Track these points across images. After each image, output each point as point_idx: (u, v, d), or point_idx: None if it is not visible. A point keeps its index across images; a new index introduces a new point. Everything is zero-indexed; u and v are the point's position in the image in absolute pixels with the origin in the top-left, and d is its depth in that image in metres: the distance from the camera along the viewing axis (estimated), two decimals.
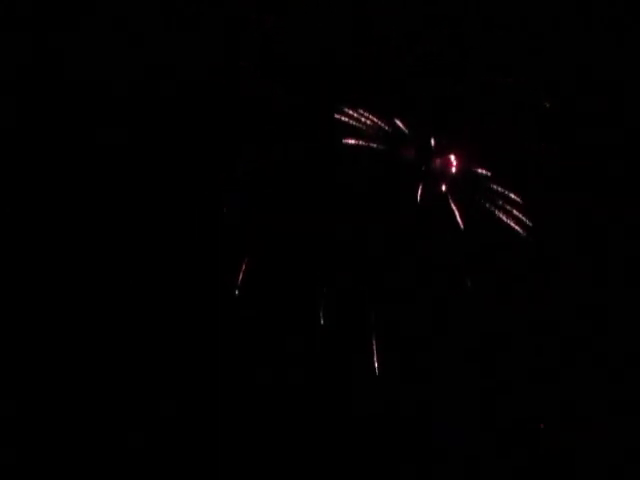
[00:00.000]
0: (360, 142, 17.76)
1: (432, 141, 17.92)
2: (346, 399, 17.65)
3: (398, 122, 17.88)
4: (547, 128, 18.33)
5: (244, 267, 17.65)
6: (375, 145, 17.85)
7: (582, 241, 17.98)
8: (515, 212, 17.58)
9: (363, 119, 17.90)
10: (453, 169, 17.83)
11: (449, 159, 17.85)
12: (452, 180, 17.79)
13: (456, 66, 18.36)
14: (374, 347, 17.31)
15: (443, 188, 17.71)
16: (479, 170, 17.74)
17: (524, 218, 17.53)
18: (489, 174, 17.65)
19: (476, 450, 17.50)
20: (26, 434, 17.40)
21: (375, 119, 17.88)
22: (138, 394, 17.56)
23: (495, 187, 17.64)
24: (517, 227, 17.53)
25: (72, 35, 18.66)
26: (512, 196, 17.57)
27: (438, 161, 17.89)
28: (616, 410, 17.63)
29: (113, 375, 17.65)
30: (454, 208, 17.48)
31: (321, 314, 17.50)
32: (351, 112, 17.91)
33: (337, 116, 17.90)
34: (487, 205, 17.58)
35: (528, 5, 18.59)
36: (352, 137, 17.80)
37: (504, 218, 17.54)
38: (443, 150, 17.92)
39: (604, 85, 18.54)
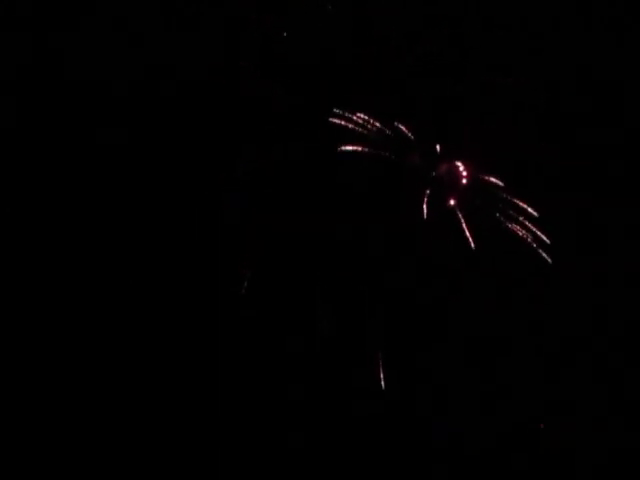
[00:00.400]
0: (361, 147, 17.72)
1: (437, 147, 17.85)
2: (346, 399, 17.65)
3: (400, 126, 17.83)
4: (547, 128, 18.35)
5: (244, 267, 17.67)
6: (376, 149, 17.82)
7: (582, 241, 17.97)
8: (521, 219, 17.51)
9: (364, 123, 17.87)
10: (464, 180, 17.71)
11: (458, 168, 17.71)
12: (462, 193, 17.69)
13: (456, 66, 18.37)
14: (379, 355, 17.31)
15: (452, 202, 17.62)
16: (489, 179, 17.65)
17: (530, 225, 17.47)
18: (501, 184, 17.56)
19: (476, 450, 17.49)
20: (26, 434, 17.36)
21: (377, 123, 17.85)
22: (137, 394, 17.56)
23: (505, 196, 17.54)
24: (526, 235, 17.46)
25: (72, 35, 18.65)
26: (524, 206, 17.48)
27: (444, 168, 17.77)
28: (616, 410, 17.65)
29: (113, 375, 17.62)
30: (463, 223, 17.38)
31: (323, 324, 17.48)
32: (353, 116, 17.88)
33: (337, 120, 17.88)
34: (498, 215, 17.51)
35: (528, 5, 18.60)
36: (353, 141, 17.77)
37: (511, 226, 17.46)
38: (449, 156, 17.82)
39: (604, 85, 18.54)
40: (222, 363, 17.67)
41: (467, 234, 17.27)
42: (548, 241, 17.37)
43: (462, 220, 17.39)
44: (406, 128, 17.83)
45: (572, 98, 18.52)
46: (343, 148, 17.61)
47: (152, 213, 18.21)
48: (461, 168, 17.75)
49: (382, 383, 17.24)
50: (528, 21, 18.55)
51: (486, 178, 17.66)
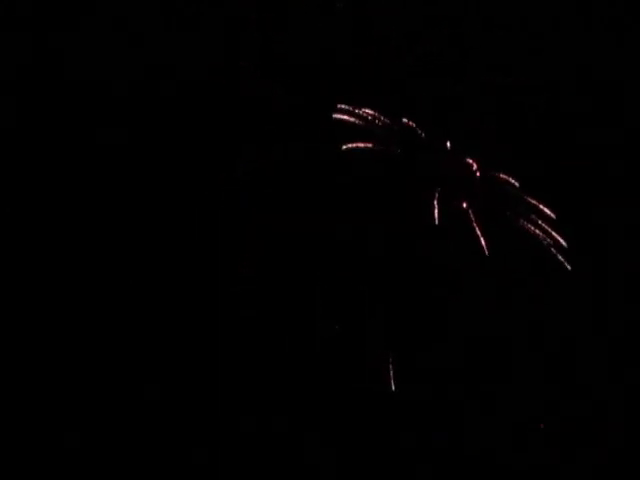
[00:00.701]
0: (366, 144, 17.64)
1: (447, 144, 17.72)
2: (346, 398, 17.65)
3: (409, 122, 17.72)
4: (547, 128, 18.35)
5: (244, 267, 17.67)
6: (383, 146, 17.72)
7: (582, 241, 17.95)
8: (533, 216, 17.40)
9: (370, 118, 17.78)
10: (475, 180, 17.54)
11: (469, 167, 17.53)
12: (473, 193, 17.53)
13: (456, 66, 18.36)
14: (388, 357, 17.27)
15: (464, 205, 17.47)
16: (500, 176, 17.52)
17: (547, 226, 17.37)
18: (516, 184, 17.42)
19: (476, 450, 17.49)
20: (25, 432, 17.34)
21: (384, 119, 17.75)
22: (137, 394, 17.55)
23: (517, 194, 17.40)
24: (535, 232, 17.37)
25: (72, 35, 18.66)
26: (540, 207, 17.36)
27: (455, 166, 17.60)
28: (615, 410, 17.66)
29: (113, 375, 17.61)
30: (474, 223, 17.23)
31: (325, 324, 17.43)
32: (359, 112, 17.79)
33: (342, 116, 17.82)
34: (509, 214, 17.38)
35: (528, 5, 18.61)
36: (359, 137, 17.67)
37: (522, 225, 17.33)
38: (460, 153, 17.67)
39: (604, 85, 18.55)
40: (221, 363, 17.65)
41: (479, 236, 17.10)
42: (565, 244, 17.27)
43: (473, 222, 17.25)
44: (413, 124, 17.71)
45: (572, 98, 18.51)
46: (347, 146, 17.53)
47: (152, 213, 18.20)
48: (474, 167, 17.64)
49: (392, 384, 17.19)
50: (528, 21, 18.56)
51: (499, 177, 17.54)
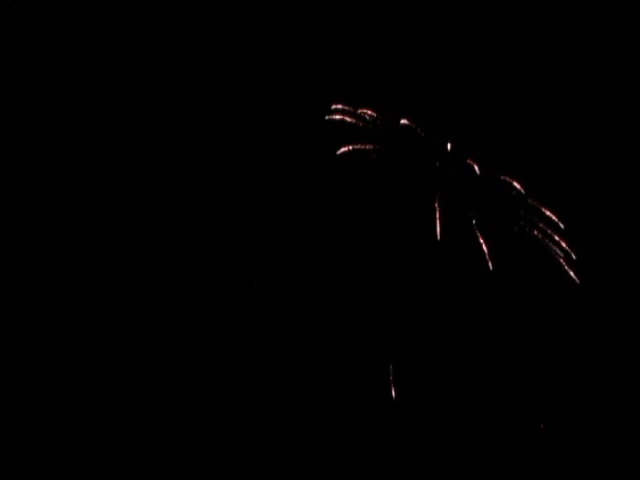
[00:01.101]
0: (366, 145, 17.59)
1: (448, 145, 17.67)
2: (348, 400, 17.70)
3: (408, 122, 17.70)
4: (548, 128, 18.40)
5: (250, 273, 17.70)
6: (383, 147, 17.69)
7: (582, 241, 17.98)
8: (541, 224, 17.37)
9: (370, 119, 17.75)
10: (477, 183, 17.45)
11: (471, 170, 17.45)
12: (477, 198, 17.45)
13: (458, 66, 18.38)
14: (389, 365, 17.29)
15: (466, 208, 17.39)
16: (505, 179, 17.44)
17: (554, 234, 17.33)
18: (522, 190, 17.32)
19: (477, 450, 17.56)
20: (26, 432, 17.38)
21: (384, 119, 17.72)
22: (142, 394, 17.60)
23: (523, 200, 17.33)
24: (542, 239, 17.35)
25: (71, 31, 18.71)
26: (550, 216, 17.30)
27: (456, 169, 17.52)
28: (616, 411, 17.73)
29: (113, 374, 17.66)
30: (475, 228, 17.14)
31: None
32: (360, 113, 17.76)
33: (336, 117, 17.80)
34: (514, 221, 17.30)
35: (530, 5, 18.65)
36: (359, 138, 17.64)
37: (529, 232, 17.27)
38: (462, 155, 17.60)
39: (603, 85, 18.60)
40: (223, 365, 17.67)
41: (481, 242, 17.04)
42: (574, 256, 17.22)
43: (475, 226, 17.19)
44: (414, 125, 17.65)
45: (571, 97, 18.57)
46: (343, 149, 17.49)
47: (152, 213, 18.24)
48: (476, 170, 17.58)
49: (392, 391, 17.23)
50: (531, 21, 18.60)
51: (502, 180, 17.49)
